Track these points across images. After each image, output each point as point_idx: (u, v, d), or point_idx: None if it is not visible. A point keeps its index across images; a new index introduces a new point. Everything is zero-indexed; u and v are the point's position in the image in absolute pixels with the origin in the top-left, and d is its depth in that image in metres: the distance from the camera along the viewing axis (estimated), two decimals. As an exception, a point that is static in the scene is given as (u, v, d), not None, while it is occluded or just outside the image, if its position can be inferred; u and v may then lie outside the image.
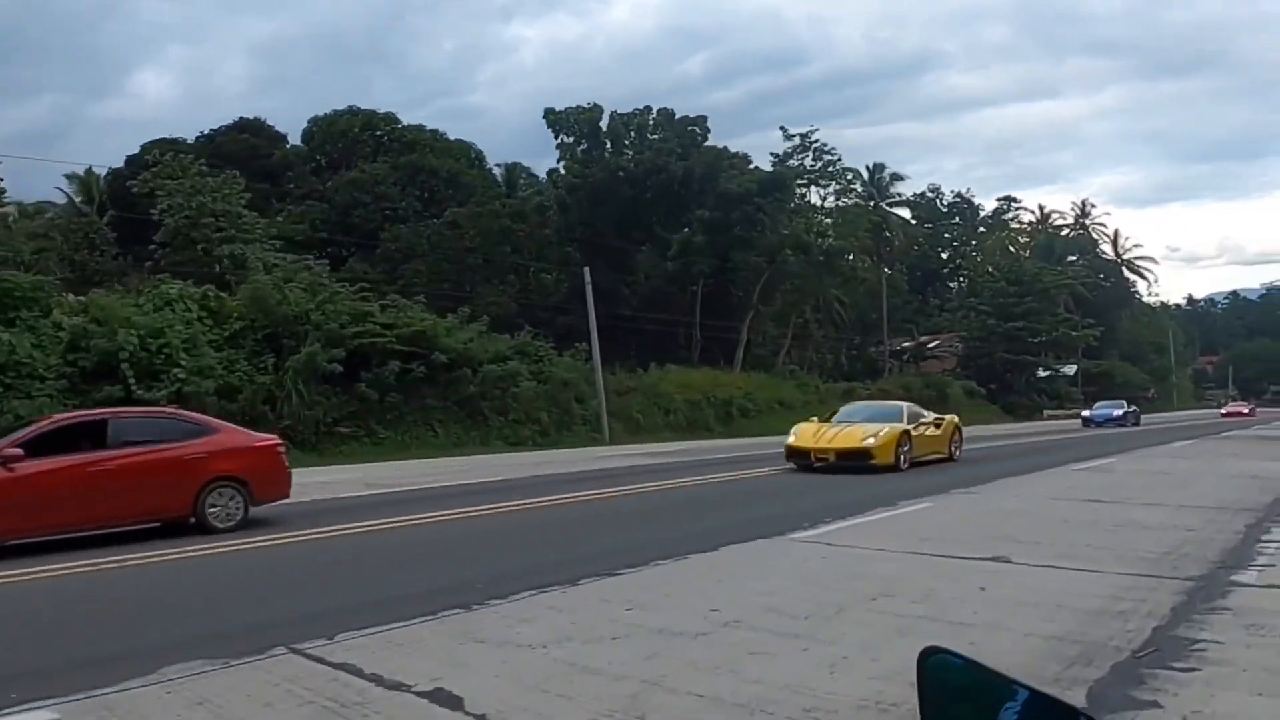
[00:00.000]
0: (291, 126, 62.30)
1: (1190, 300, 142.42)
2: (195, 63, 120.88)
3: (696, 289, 48.33)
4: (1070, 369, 69.14)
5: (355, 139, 55.47)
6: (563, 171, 44.14)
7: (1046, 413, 60.10)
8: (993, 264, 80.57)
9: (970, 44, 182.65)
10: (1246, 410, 62.36)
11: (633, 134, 41.24)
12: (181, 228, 38.04)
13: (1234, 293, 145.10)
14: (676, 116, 41.74)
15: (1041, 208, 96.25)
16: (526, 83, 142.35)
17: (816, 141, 51.20)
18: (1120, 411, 42.82)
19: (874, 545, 8.34)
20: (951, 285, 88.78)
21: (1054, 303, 65.26)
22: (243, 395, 25.98)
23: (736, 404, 38.98)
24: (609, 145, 40.93)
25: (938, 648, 1.27)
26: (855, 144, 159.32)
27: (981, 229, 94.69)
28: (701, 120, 41.91)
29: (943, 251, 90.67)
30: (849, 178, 54.36)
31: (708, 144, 42.28)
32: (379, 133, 55.04)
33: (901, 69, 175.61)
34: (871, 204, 64.00)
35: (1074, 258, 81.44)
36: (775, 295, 49.37)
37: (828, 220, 52.92)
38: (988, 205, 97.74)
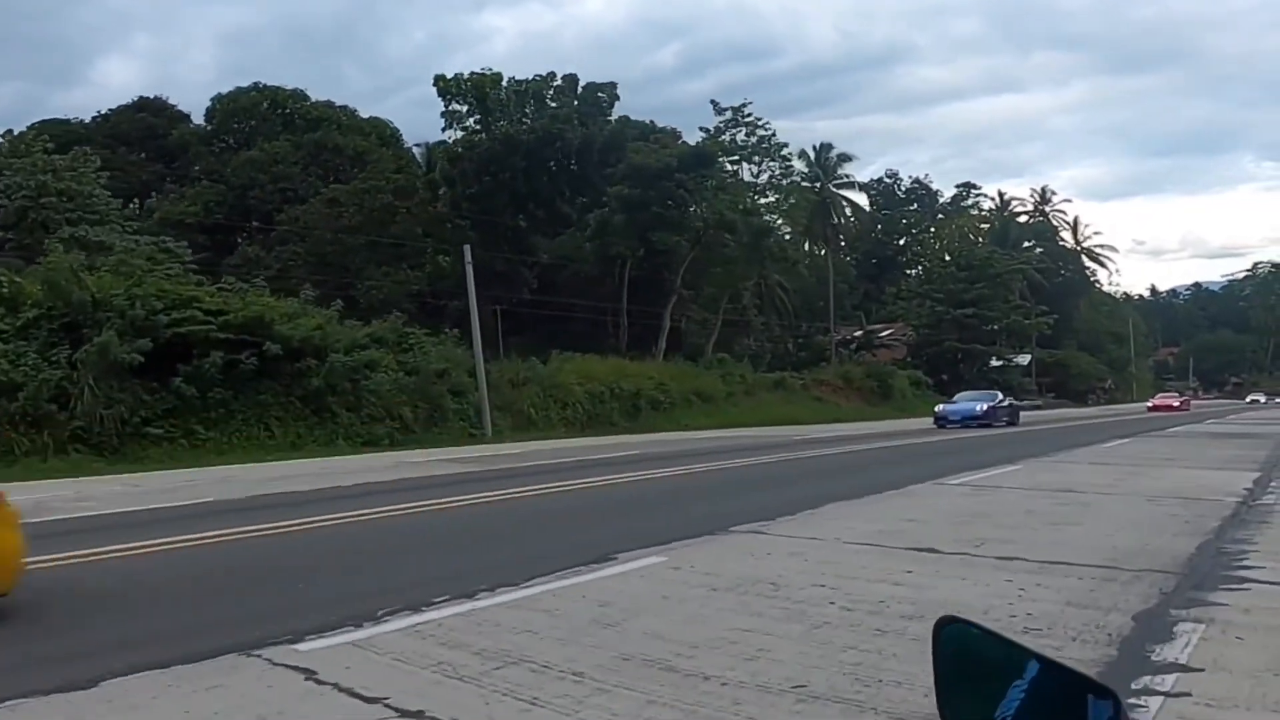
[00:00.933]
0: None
1: (1153, 291, 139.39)
2: (162, 51, 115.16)
3: (624, 273, 44.07)
4: (1024, 359, 65.16)
5: (263, 117, 51.09)
6: (449, 142, 39.60)
7: (996, 404, 56.11)
8: (950, 251, 76.74)
9: (939, 37, 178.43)
10: (1177, 403, 53.37)
11: (531, 102, 36.46)
12: (28, 209, 33.53)
13: (1196, 284, 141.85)
14: (583, 84, 37.11)
15: (1001, 194, 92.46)
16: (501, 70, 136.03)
17: (749, 116, 46.84)
18: (985, 406, 31.29)
19: (397, 684, 4.09)
20: (910, 273, 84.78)
21: (1007, 289, 61.28)
22: (24, 392, 21.60)
23: (646, 396, 34.63)
24: (508, 114, 35.98)
25: (954, 617, 1.23)
26: (826, 136, 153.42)
27: (940, 216, 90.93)
28: (610, 87, 37.28)
29: (899, 238, 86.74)
30: (784, 153, 50.02)
31: (622, 115, 37.71)
32: (286, 110, 50.56)
33: (872, 61, 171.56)
34: (817, 185, 59.88)
35: (1029, 243, 77.63)
36: (703, 279, 45.20)
37: (761, 200, 48.50)
38: (947, 192, 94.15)
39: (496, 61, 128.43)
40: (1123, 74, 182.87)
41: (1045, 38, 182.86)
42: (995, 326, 58.02)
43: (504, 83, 35.93)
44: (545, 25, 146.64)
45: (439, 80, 36.80)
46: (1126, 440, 21.12)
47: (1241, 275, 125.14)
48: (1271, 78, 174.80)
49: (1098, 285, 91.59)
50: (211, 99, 51.04)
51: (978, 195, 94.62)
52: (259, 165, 45.48)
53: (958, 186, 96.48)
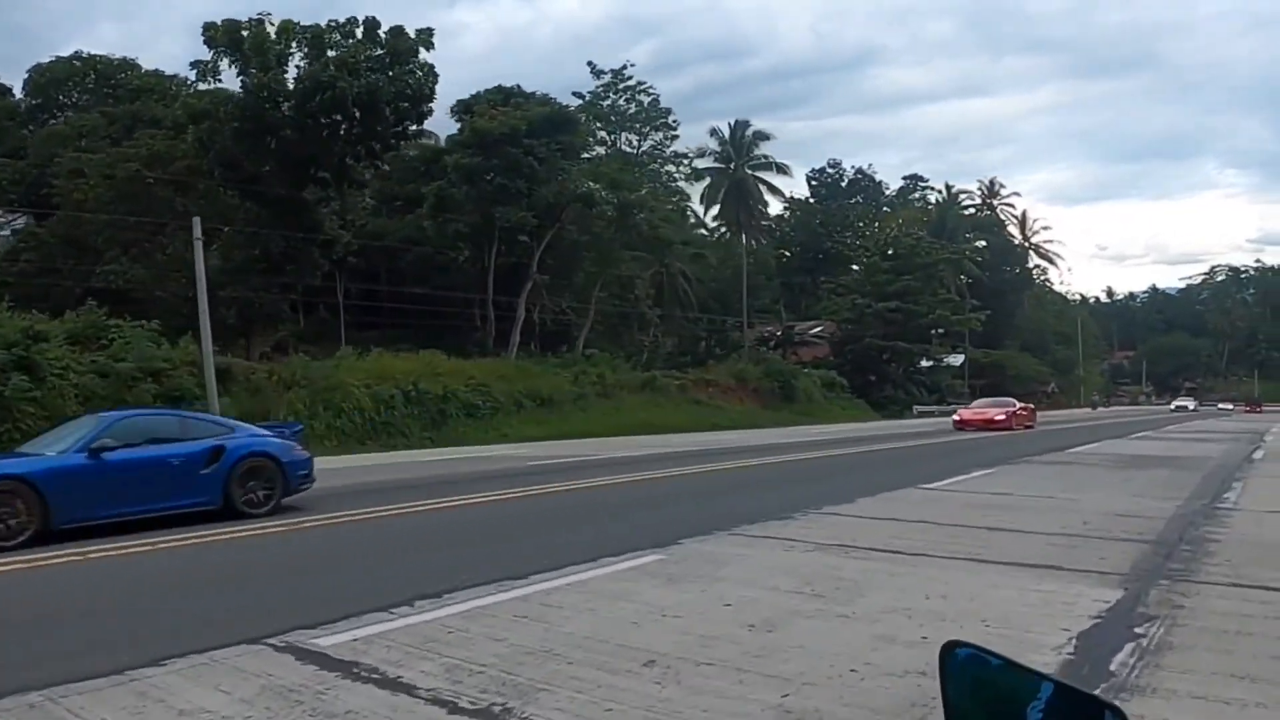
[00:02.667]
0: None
1: (1110, 294, 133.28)
2: (129, 41, 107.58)
3: (490, 257, 36.75)
4: (957, 358, 57.88)
5: (87, 89, 43.86)
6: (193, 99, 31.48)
7: (917, 409, 48.93)
8: (891, 245, 69.68)
9: (912, 39, 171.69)
10: (1002, 416, 31.03)
11: (306, 50, 28.50)
12: None
13: (1153, 287, 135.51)
14: (387, 28, 29.53)
15: (949, 186, 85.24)
16: (472, 68, 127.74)
17: (630, 79, 39.46)
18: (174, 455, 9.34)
19: None
20: (855, 268, 77.58)
21: (938, 282, 54.11)
22: None
23: (458, 400, 27.34)
24: (268, 62, 28.00)
25: (961, 641, 1.15)
26: (799, 136, 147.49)
27: (886, 210, 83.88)
28: (427, 33, 29.71)
29: (843, 231, 79.44)
30: (670, 120, 42.70)
31: (426, 62, 29.83)
32: (113, 81, 43.27)
33: (845, 62, 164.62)
34: (730, 166, 52.77)
35: (970, 234, 70.53)
36: (573, 263, 38.08)
37: (638, 169, 41.14)
38: (894, 184, 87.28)
39: (467, 59, 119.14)
40: (1092, 79, 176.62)
41: (1016, 41, 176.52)
42: (923, 322, 50.83)
43: (290, 32, 28.32)
44: (518, 22, 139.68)
45: (207, 29, 28.89)
46: (988, 472, 13.60)
47: (1199, 279, 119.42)
48: (1235, 84, 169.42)
49: (1047, 284, 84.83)
50: (29, 70, 43.69)
51: (925, 188, 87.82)
52: (62, 139, 38.14)
53: (904, 179, 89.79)
